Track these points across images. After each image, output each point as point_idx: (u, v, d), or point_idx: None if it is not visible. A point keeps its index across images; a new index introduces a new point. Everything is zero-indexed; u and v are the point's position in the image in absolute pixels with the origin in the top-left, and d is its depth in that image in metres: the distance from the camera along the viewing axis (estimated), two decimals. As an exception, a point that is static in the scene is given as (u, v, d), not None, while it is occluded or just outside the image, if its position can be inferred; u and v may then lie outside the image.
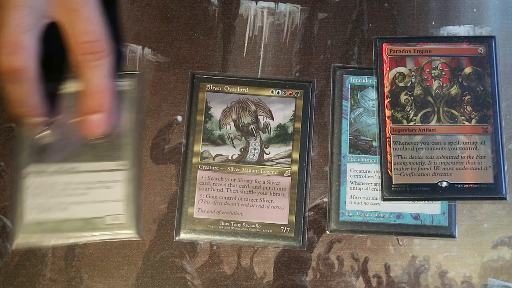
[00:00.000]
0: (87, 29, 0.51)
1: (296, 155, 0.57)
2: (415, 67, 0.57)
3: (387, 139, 0.56)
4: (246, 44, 0.59)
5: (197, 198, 0.56)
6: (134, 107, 0.57)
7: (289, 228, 0.56)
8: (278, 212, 0.56)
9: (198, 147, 0.57)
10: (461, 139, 0.56)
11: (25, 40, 0.49)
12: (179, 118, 0.58)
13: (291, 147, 0.57)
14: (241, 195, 0.56)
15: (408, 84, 0.57)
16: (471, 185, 0.55)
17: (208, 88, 0.58)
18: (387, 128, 0.56)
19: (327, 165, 0.57)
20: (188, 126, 0.58)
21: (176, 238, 0.56)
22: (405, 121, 0.56)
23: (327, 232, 0.56)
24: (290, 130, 0.57)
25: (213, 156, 0.57)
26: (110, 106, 0.53)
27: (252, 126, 0.57)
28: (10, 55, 0.49)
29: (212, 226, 0.56)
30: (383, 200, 0.55)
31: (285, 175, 0.57)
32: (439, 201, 0.55)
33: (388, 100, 0.57)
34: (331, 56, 0.59)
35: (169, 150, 0.57)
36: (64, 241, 0.55)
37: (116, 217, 0.55)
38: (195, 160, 0.57)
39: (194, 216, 0.56)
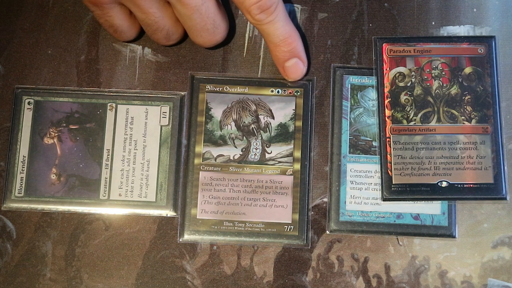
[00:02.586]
0: None
1: (297, 154, 0.57)
2: (415, 67, 0.57)
3: (387, 139, 0.56)
4: (246, 44, 0.59)
5: (200, 199, 0.56)
6: None
7: (292, 227, 0.56)
8: (282, 211, 0.56)
9: (200, 148, 0.57)
10: (461, 139, 0.56)
11: None
12: None
13: (292, 146, 0.57)
14: (244, 195, 0.56)
15: (408, 84, 0.57)
16: (471, 185, 0.55)
17: (208, 88, 0.58)
18: (387, 128, 0.56)
19: (327, 165, 0.57)
20: (189, 127, 0.58)
21: (180, 240, 0.56)
22: (405, 121, 0.56)
23: (327, 232, 0.56)
24: (291, 128, 0.57)
25: (214, 156, 0.57)
26: (299, 47, 0.55)
27: (253, 125, 0.57)
28: None
29: (216, 227, 0.56)
30: (383, 200, 0.55)
31: (287, 173, 0.57)
32: (439, 201, 0.56)
33: (388, 100, 0.57)
34: (331, 56, 0.59)
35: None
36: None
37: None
38: (196, 161, 0.57)
39: (198, 217, 0.56)
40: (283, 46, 0.55)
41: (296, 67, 0.56)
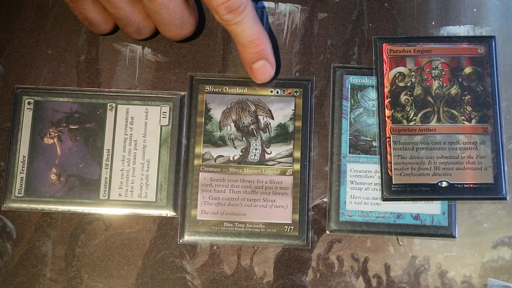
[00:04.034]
0: None
1: (297, 154, 0.57)
2: (415, 67, 0.57)
3: (387, 139, 0.56)
4: (246, 44, 0.59)
5: (200, 200, 0.56)
6: None
7: (293, 227, 0.56)
8: (282, 211, 0.56)
9: (199, 149, 0.57)
10: (461, 139, 0.56)
11: None
12: None
13: (292, 146, 0.57)
14: (244, 195, 0.56)
15: (408, 84, 0.57)
16: (471, 185, 0.55)
17: (207, 89, 0.58)
18: (387, 128, 0.56)
19: (327, 165, 0.57)
20: (189, 128, 0.58)
21: (180, 241, 0.56)
22: (405, 121, 0.56)
23: (327, 232, 0.56)
24: (291, 129, 0.57)
25: (214, 157, 0.57)
26: (267, 49, 0.55)
27: (252, 126, 0.57)
28: None
29: (216, 228, 0.56)
30: (383, 200, 0.55)
31: (287, 174, 0.57)
32: (439, 201, 0.56)
33: (388, 100, 0.57)
34: (331, 56, 0.59)
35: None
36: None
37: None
38: (196, 162, 0.57)
39: (198, 218, 0.56)
40: (251, 48, 0.55)
41: (263, 69, 0.56)
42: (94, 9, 0.55)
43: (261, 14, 0.60)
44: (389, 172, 0.55)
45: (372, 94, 0.58)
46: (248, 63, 0.56)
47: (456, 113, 0.56)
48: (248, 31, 0.54)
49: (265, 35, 0.55)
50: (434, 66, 0.57)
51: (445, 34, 0.59)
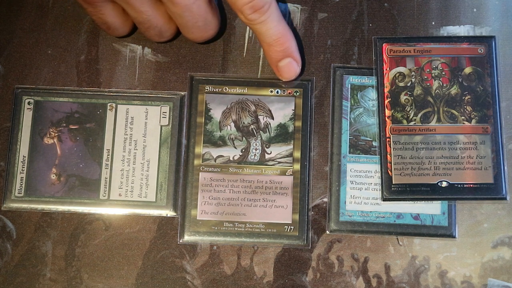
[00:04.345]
0: None
1: (297, 154, 0.57)
2: (415, 67, 0.57)
3: (387, 139, 0.56)
4: (246, 44, 0.59)
5: (200, 200, 0.56)
6: None
7: (293, 227, 0.56)
8: (282, 211, 0.56)
9: (199, 149, 0.57)
10: (461, 139, 0.56)
11: None
12: None
13: (292, 146, 0.57)
14: (244, 195, 0.56)
15: (408, 84, 0.57)
16: (471, 185, 0.55)
17: (207, 89, 0.58)
18: (387, 128, 0.56)
19: (327, 165, 0.57)
20: (189, 128, 0.58)
21: (180, 241, 0.56)
22: (405, 121, 0.56)
23: (327, 232, 0.56)
24: (291, 129, 0.57)
25: (214, 157, 0.57)
26: (292, 47, 0.55)
27: (252, 126, 0.57)
28: None
29: (216, 228, 0.56)
30: (383, 200, 0.55)
31: (287, 174, 0.57)
32: (439, 201, 0.56)
33: (388, 100, 0.57)
34: (331, 56, 0.59)
35: (169, 150, 0.58)
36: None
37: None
38: (196, 162, 0.57)
39: (198, 218, 0.56)
40: (276, 46, 0.55)
41: (289, 67, 0.56)
42: (113, 13, 0.55)
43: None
44: (389, 172, 0.55)
45: (372, 94, 0.58)
46: (273, 62, 0.56)
47: (456, 113, 0.56)
48: (273, 30, 0.54)
49: (290, 33, 0.55)
50: (434, 66, 0.57)
51: (445, 34, 0.59)
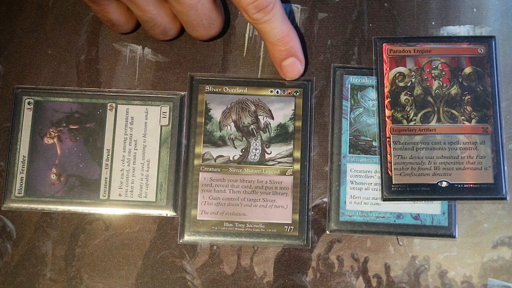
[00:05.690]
0: None
1: (297, 154, 0.57)
2: (415, 67, 0.57)
3: (387, 139, 0.56)
4: (246, 44, 0.59)
5: (200, 200, 0.56)
6: None
7: (293, 227, 0.56)
8: (282, 211, 0.56)
9: (199, 149, 0.57)
10: (461, 139, 0.56)
11: None
12: None
13: (292, 146, 0.57)
14: (244, 195, 0.56)
15: (408, 84, 0.57)
16: (471, 185, 0.55)
17: (207, 89, 0.58)
18: (387, 128, 0.56)
19: (327, 165, 0.57)
20: (189, 128, 0.58)
21: (180, 241, 0.56)
22: (405, 121, 0.56)
23: (327, 232, 0.56)
24: (291, 129, 0.57)
25: (214, 157, 0.57)
26: (296, 46, 0.56)
27: (252, 126, 0.57)
28: None
29: (216, 228, 0.56)
30: (383, 200, 0.55)
31: (287, 174, 0.57)
32: (439, 201, 0.56)
33: (388, 100, 0.57)
34: (331, 56, 0.59)
35: (169, 150, 0.58)
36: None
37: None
38: (196, 162, 0.57)
39: (198, 218, 0.56)
40: (280, 45, 0.55)
41: (293, 66, 0.56)
42: (117, 11, 0.55)
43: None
44: (389, 172, 0.55)
45: (372, 94, 0.58)
46: (277, 61, 0.56)
47: (456, 113, 0.56)
48: (277, 30, 0.54)
49: (293, 33, 0.55)
50: (434, 66, 0.57)
51: (445, 34, 0.59)
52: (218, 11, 0.55)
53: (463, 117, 0.56)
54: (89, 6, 0.55)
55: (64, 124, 0.58)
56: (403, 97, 0.57)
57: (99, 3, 0.54)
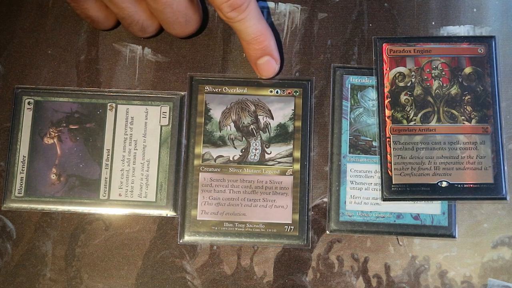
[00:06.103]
0: None
1: (297, 154, 0.57)
2: (415, 67, 0.57)
3: (387, 139, 0.56)
4: (246, 44, 0.59)
5: (200, 200, 0.56)
6: None
7: (293, 227, 0.56)
8: (282, 211, 0.56)
9: (199, 149, 0.57)
10: (461, 139, 0.56)
11: None
12: None
13: (292, 146, 0.57)
14: (244, 195, 0.56)
15: (408, 84, 0.57)
16: (471, 185, 0.55)
17: (207, 89, 0.58)
18: (387, 128, 0.56)
19: (327, 165, 0.57)
20: (189, 128, 0.58)
21: (180, 241, 0.56)
22: (405, 121, 0.56)
23: (327, 232, 0.56)
24: (291, 129, 0.57)
25: (214, 157, 0.57)
26: (271, 45, 0.56)
27: (252, 126, 0.57)
28: None
29: (216, 228, 0.56)
30: (383, 200, 0.55)
31: (287, 174, 0.57)
32: (439, 201, 0.56)
33: (388, 100, 0.57)
34: (331, 56, 0.59)
35: (169, 150, 0.58)
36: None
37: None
38: (196, 162, 0.57)
39: (198, 219, 0.56)
40: (255, 44, 0.55)
41: (268, 65, 0.56)
42: (96, 7, 0.55)
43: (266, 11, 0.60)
44: (389, 172, 0.55)
45: (372, 94, 0.58)
46: (252, 59, 0.56)
47: (456, 113, 0.56)
48: (251, 28, 0.54)
49: (269, 32, 0.55)
50: (434, 66, 0.57)
51: (445, 34, 0.59)
52: (195, 9, 0.55)
53: (463, 117, 0.56)
54: (68, 2, 0.55)
55: (64, 124, 0.58)
56: (403, 97, 0.57)
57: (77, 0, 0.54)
